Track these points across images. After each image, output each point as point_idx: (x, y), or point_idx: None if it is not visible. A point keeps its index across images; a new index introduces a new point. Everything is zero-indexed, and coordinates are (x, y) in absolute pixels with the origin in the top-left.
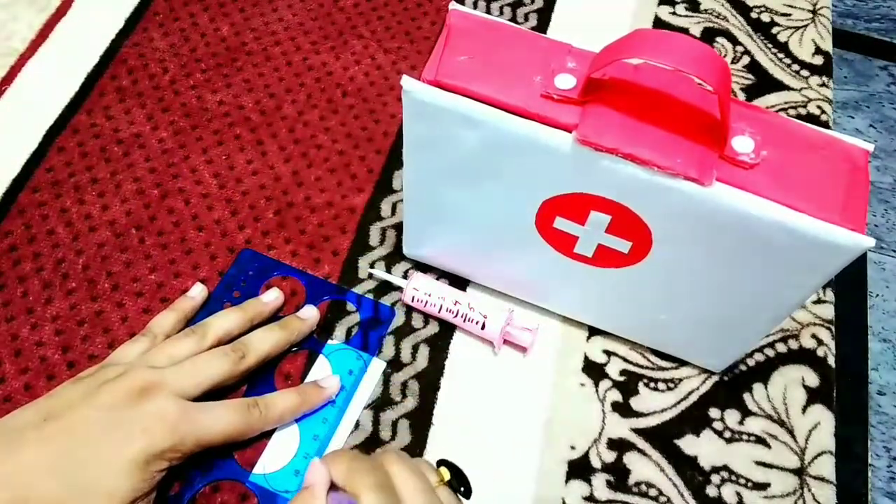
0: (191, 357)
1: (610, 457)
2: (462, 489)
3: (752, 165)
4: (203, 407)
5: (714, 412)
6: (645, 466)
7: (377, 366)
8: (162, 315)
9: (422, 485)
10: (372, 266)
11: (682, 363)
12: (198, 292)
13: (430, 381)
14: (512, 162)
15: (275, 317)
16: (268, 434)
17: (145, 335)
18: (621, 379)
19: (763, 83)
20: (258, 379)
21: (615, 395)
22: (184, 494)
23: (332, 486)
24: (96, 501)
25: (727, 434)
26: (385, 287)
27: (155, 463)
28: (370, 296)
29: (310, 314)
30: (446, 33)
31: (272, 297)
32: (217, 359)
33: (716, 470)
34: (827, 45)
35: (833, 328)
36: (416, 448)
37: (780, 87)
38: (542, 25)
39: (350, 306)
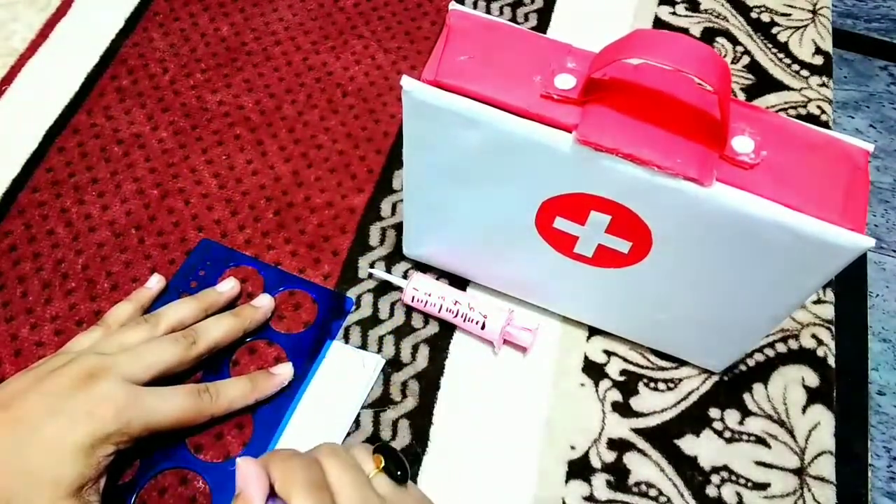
0: (142, 343)
1: (610, 457)
2: (399, 473)
3: (752, 165)
4: (152, 391)
5: (714, 412)
6: (645, 466)
7: (375, 362)
8: (118, 306)
9: (356, 477)
10: (372, 266)
11: (682, 363)
12: (155, 283)
13: (430, 381)
14: (512, 162)
15: (231, 306)
16: (220, 420)
17: (99, 325)
18: (621, 379)
19: (763, 83)
20: (213, 367)
21: (615, 395)
22: (135, 483)
23: (272, 490)
24: (42, 489)
25: (727, 434)
26: (385, 287)
27: (101, 447)
28: (370, 296)
29: (264, 302)
30: (446, 33)
31: (227, 287)
32: (167, 344)
33: (716, 470)
34: (827, 45)
35: (833, 328)
36: (415, 448)
37: (780, 87)
38: (542, 25)
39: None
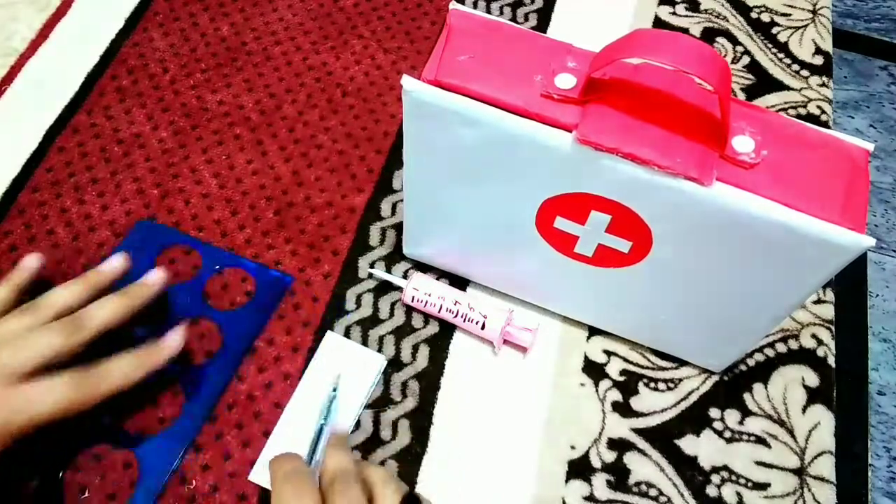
0: (22, 333)
1: (610, 457)
2: None
3: (752, 165)
4: (30, 384)
5: (714, 412)
6: (645, 466)
7: (377, 362)
8: None
9: None
10: (372, 266)
11: (682, 363)
12: (32, 262)
13: (430, 381)
14: (512, 161)
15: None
16: (120, 400)
17: None
18: (621, 379)
19: (763, 83)
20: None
21: (615, 395)
22: (64, 459)
23: None
24: None
25: (727, 434)
26: (385, 287)
27: None
28: (370, 296)
29: (154, 278)
30: (446, 33)
31: (112, 264)
32: (50, 333)
33: (716, 470)
34: (827, 45)
35: (833, 328)
36: (415, 448)
37: (780, 87)
38: (542, 25)
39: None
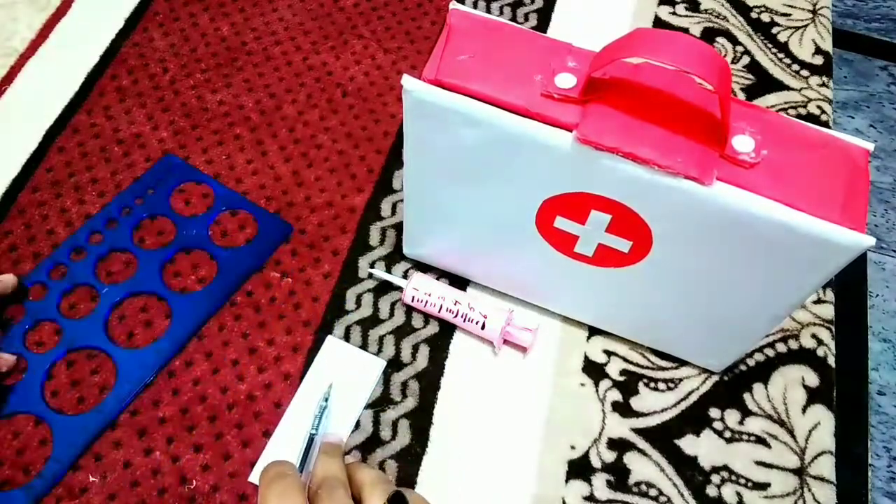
0: None
1: (610, 456)
2: None
3: (752, 165)
4: None
5: (714, 412)
6: (645, 466)
7: (376, 366)
8: None
9: None
10: (372, 266)
11: (682, 363)
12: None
13: (430, 381)
14: (512, 161)
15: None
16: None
17: None
18: (621, 379)
19: (763, 83)
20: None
21: (615, 395)
22: None
23: None
24: None
25: (727, 434)
26: (385, 287)
27: None
28: (370, 295)
29: (6, 281)
30: (447, 33)
31: None
32: None
33: (716, 470)
34: (827, 45)
35: (833, 328)
36: (415, 448)
37: (780, 87)
38: (542, 25)
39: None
